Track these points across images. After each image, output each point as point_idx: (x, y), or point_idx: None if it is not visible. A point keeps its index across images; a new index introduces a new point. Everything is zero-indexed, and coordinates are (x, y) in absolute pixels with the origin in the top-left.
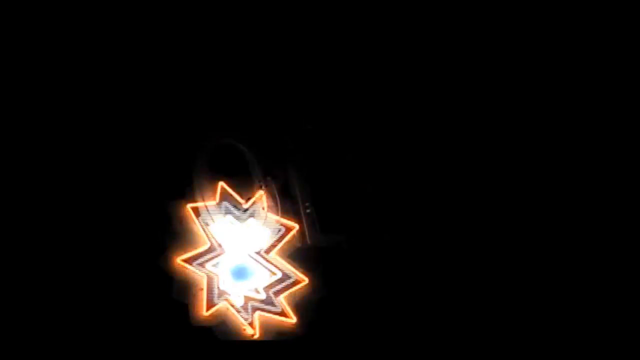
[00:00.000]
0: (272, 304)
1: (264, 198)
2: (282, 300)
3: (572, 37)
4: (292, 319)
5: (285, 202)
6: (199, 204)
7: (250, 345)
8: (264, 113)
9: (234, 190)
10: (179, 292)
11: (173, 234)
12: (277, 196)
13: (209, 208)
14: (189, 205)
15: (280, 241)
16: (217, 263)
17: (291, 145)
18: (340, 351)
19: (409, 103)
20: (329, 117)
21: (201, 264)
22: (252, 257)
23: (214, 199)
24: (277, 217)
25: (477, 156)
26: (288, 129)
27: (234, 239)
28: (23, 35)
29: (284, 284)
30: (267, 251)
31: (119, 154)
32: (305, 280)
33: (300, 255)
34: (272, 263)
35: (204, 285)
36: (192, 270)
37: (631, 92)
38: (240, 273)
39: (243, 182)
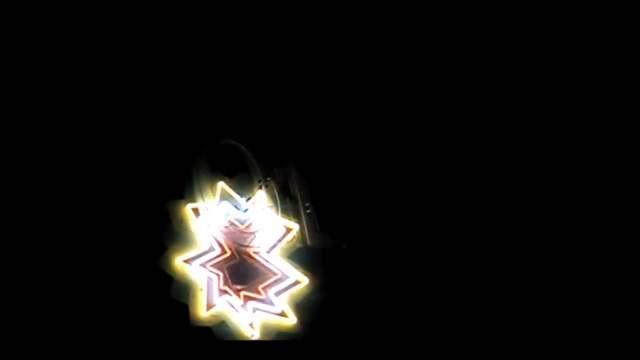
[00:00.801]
0: (272, 304)
1: (264, 198)
2: (282, 300)
3: (572, 37)
4: (292, 319)
5: (285, 202)
6: (199, 204)
7: (250, 345)
8: (264, 113)
9: (234, 190)
10: (179, 292)
11: (173, 234)
12: (277, 196)
13: (209, 208)
14: (189, 205)
15: (281, 241)
16: (217, 263)
17: (291, 145)
18: (340, 351)
19: (408, 104)
20: (329, 117)
21: (201, 264)
22: (252, 257)
23: (214, 199)
24: (277, 217)
25: (477, 157)
26: (288, 129)
27: (234, 239)
28: (23, 35)
29: (284, 284)
30: (267, 251)
31: (119, 154)
32: (305, 281)
33: (300, 255)
34: (272, 263)
35: (204, 285)
36: (192, 270)
37: (631, 92)
38: (240, 273)
39: (243, 182)
